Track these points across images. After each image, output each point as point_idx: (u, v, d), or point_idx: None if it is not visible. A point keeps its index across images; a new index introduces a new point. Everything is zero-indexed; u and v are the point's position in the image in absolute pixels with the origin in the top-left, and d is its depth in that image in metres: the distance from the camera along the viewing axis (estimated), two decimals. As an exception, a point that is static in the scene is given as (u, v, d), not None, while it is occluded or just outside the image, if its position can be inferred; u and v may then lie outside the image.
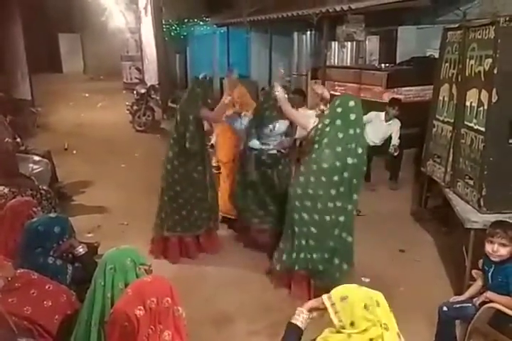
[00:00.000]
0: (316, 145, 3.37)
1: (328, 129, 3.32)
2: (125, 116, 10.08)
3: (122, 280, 2.05)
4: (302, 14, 7.92)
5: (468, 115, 3.90)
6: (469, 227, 3.49)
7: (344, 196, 3.36)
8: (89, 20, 16.31)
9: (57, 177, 5.69)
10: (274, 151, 4.24)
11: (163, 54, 11.52)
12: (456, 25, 4.30)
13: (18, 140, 5.41)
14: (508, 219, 2.98)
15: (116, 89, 15.02)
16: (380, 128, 6.08)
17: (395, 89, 6.73)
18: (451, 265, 4.00)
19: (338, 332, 1.75)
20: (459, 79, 4.10)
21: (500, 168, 3.59)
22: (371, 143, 6.15)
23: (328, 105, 4.46)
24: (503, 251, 2.71)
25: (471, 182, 3.81)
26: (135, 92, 9.99)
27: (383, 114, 6.05)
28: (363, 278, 3.66)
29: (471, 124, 3.84)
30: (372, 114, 6.12)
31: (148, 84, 10.80)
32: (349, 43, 8.57)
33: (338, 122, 3.29)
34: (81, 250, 2.77)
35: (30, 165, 5.09)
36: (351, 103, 3.31)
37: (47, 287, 2.34)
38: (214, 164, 5.02)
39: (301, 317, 1.97)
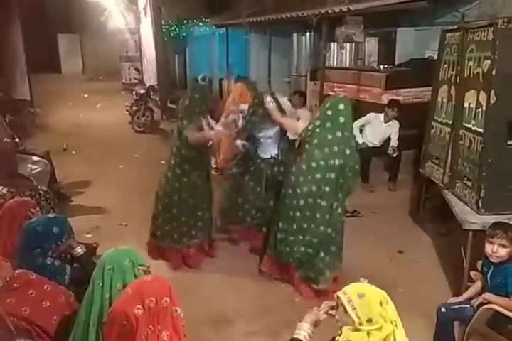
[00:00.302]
0: (307, 146, 3.51)
1: (318, 130, 3.46)
2: (124, 117, 10.07)
3: (120, 281, 2.05)
4: (301, 15, 7.91)
5: (467, 116, 3.90)
6: (468, 228, 3.50)
7: (330, 195, 3.48)
8: (89, 21, 16.30)
9: (56, 177, 5.68)
10: (268, 155, 4.28)
11: (163, 54, 11.53)
12: (455, 27, 4.32)
13: (17, 140, 5.41)
14: (506, 220, 2.98)
15: (115, 89, 15.01)
16: (378, 129, 6.09)
17: (394, 91, 6.73)
18: (450, 266, 4.00)
19: (356, 330, 1.77)
20: (458, 81, 4.10)
21: (499, 169, 3.60)
22: (370, 144, 6.17)
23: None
24: (503, 252, 2.71)
25: (470, 184, 3.81)
26: (134, 93, 9.98)
27: (382, 115, 6.06)
28: (361, 279, 3.63)
29: (470, 126, 3.85)
30: (371, 116, 6.13)
31: (148, 84, 10.81)
32: (348, 45, 8.56)
33: (328, 124, 3.43)
34: (79, 250, 2.77)
35: (29, 165, 5.09)
36: (341, 106, 3.43)
37: (45, 287, 2.34)
38: (213, 165, 5.03)
39: (303, 332, 1.95)
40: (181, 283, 3.31)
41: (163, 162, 6.61)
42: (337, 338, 1.83)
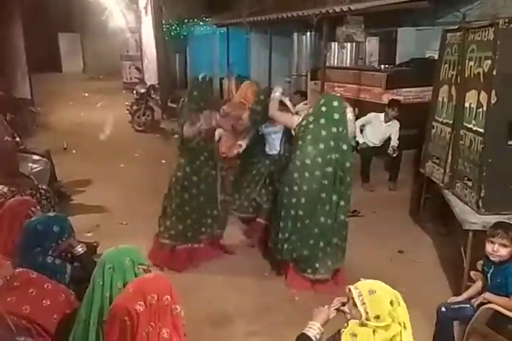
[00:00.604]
0: (300, 142, 3.54)
1: (311, 126, 3.49)
2: (125, 116, 10.07)
3: (121, 280, 2.05)
4: (302, 15, 7.91)
5: (468, 116, 3.90)
6: (468, 228, 3.50)
7: (328, 188, 3.50)
8: (90, 20, 16.32)
9: (57, 176, 5.68)
10: (273, 152, 4.33)
11: (163, 54, 11.53)
12: (456, 27, 4.32)
13: (18, 139, 5.42)
14: (507, 220, 2.98)
15: (116, 88, 15.02)
16: (379, 129, 6.09)
17: (395, 91, 6.73)
18: (450, 266, 4.01)
19: (363, 325, 1.79)
20: (458, 81, 4.10)
21: (499, 169, 3.60)
22: (370, 144, 6.17)
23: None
24: (504, 252, 2.72)
25: (470, 184, 3.81)
26: (135, 92, 9.98)
27: (382, 115, 6.06)
28: (362, 279, 3.65)
29: (470, 125, 3.85)
30: (371, 115, 6.13)
31: (148, 83, 10.81)
32: (349, 44, 8.57)
33: (322, 121, 3.46)
34: (80, 249, 2.77)
35: (30, 164, 5.10)
36: (335, 103, 3.48)
37: (46, 286, 2.34)
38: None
39: (314, 330, 1.96)
40: (182, 283, 3.30)
41: (163, 161, 6.67)
42: (342, 330, 1.84)
